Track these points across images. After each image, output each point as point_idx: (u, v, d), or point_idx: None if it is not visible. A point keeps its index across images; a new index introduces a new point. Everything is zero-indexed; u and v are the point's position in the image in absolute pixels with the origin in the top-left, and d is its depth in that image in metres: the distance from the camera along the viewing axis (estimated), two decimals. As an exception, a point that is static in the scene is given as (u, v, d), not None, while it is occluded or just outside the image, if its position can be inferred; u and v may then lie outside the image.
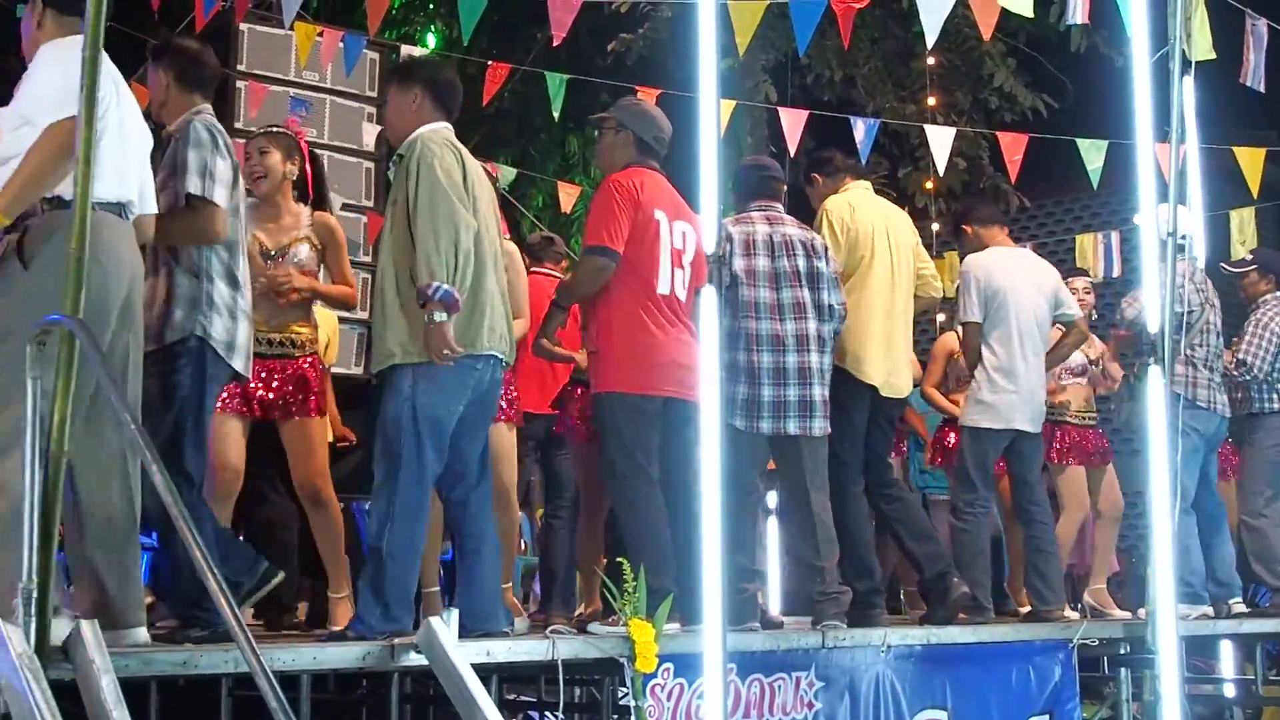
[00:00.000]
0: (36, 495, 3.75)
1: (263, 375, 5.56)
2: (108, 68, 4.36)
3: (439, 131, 5.12)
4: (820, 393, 6.02)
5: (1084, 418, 7.90)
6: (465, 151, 5.15)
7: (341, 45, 8.44)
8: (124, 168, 4.41)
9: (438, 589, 6.03)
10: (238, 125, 8.07)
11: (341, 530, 5.76)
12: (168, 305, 4.78)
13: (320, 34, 8.51)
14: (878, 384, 6.43)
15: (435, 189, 4.91)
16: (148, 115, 4.81)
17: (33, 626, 3.68)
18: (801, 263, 6.08)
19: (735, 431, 5.78)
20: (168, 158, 4.86)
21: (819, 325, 6.05)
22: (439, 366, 4.86)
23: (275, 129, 5.97)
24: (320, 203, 5.95)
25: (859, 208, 6.60)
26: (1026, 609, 7.26)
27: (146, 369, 4.58)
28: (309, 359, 5.72)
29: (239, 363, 4.88)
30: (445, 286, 4.81)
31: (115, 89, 4.42)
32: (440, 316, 4.81)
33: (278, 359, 5.65)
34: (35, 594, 3.70)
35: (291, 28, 8.17)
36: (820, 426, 6.02)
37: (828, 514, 6.02)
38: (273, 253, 5.67)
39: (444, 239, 4.85)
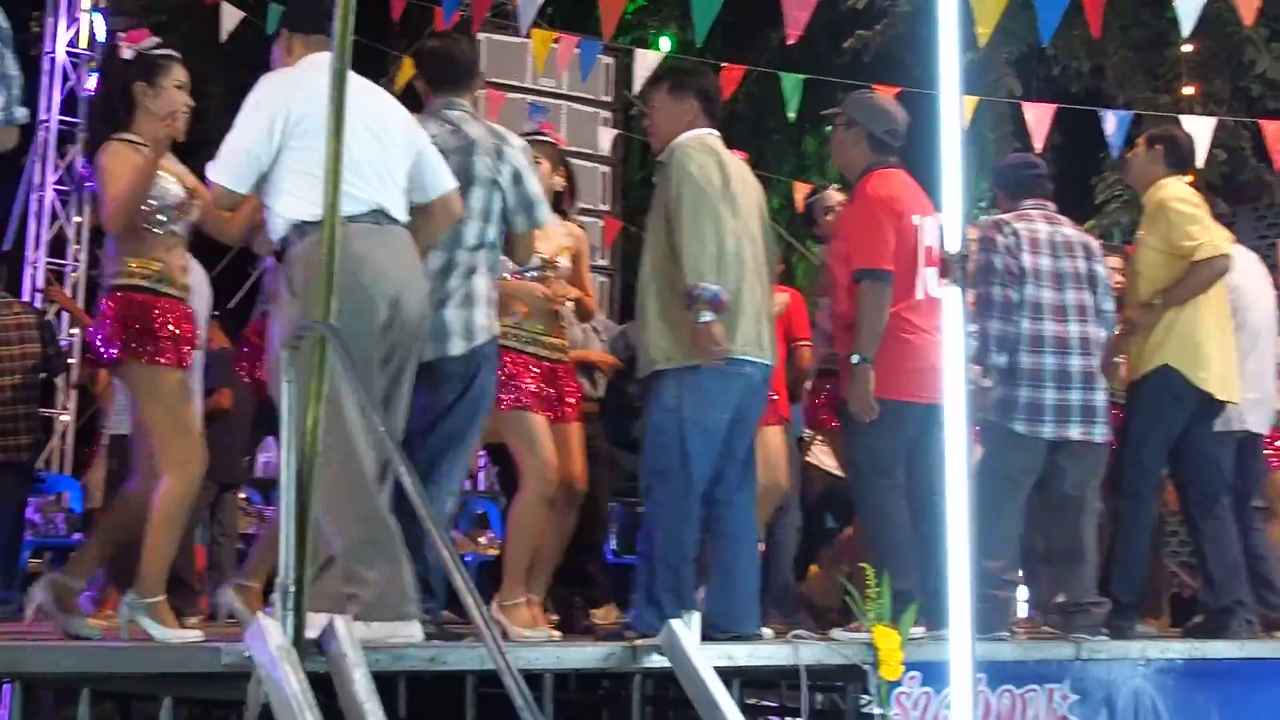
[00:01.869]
0: (292, 495, 3.85)
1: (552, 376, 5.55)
2: (350, 77, 4.46)
3: (701, 137, 5.14)
4: (1102, 398, 5.84)
5: None
6: (728, 156, 5.16)
7: (577, 51, 8.53)
8: (380, 175, 4.48)
9: None
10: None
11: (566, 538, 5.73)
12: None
13: (556, 40, 8.61)
14: (1213, 390, 6.11)
15: (697, 193, 4.93)
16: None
17: (290, 621, 3.77)
18: (1081, 265, 5.90)
19: (1013, 436, 5.67)
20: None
21: (1096, 330, 5.88)
22: (704, 373, 4.90)
23: (542, 138, 5.96)
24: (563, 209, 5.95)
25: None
26: None
27: None
28: (567, 366, 5.71)
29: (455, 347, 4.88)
30: (711, 287, 4.84)
31: (365, 99, 4.50)
32: (707, 316, 4.85)
33: (555, 362, 5.58)
34: (293, 590, 3.80)
35: (528, 35, 8.29)
36: (1102, 432, 5.84)
37: (1092, 524, 5.84)
38: (543, 262, 5.60)
39: (708, 241, 4.87)
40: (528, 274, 5.48)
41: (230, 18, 8.61)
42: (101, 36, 11.58)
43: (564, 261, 5.66)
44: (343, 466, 4.16)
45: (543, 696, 4.77)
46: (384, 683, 3.87)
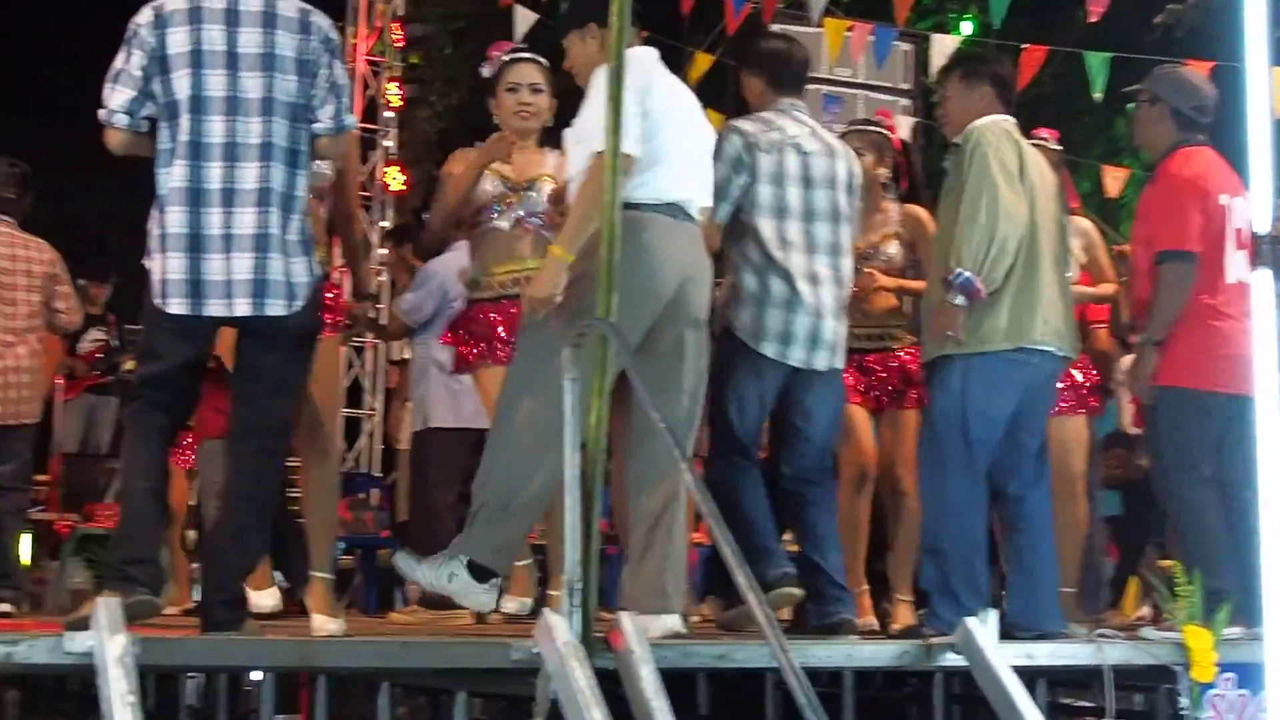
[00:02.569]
0: (576, 491, 3.88)
1: (865, 367, 5.62)
2: (658, 71, 4.51)
3: (999, 123, 5.02)
4: None
5: None
6: (1025, 144, 5.05)
7: (871, 39, 8.41)
8: (679, 169, 4.49)
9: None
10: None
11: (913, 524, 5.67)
12: (725, 295, 4.96)
13: (850, 29, 8.51)
14: None
15: (984, 178, 4.83)
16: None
17: (577, 617, 3.81)
18: None
19: None
20: None
21: None
22: (990, 360, 4.81)
23: (869, 126, 5.96)
24: (914, 194, 5.91)
25: None
26: None
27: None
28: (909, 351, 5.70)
29: (770, 349, 4.89)
30: (967, 274, 4.74)
31: (668, 93, 4.54)
32: (958, 301, 4.77)
33: (877, 353, 5.67)
34: (579, 586, 3.84)
35: (820, 25, 8.21)
36: None
37: None
38: (863, 253, 5.62)
39: (980, 228, 4.77)
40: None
41: (523, 20, 8.79)
42: (400, 45, 11.95)
43: (892, 248, 5.74)
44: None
45: (842, 693, 4.76)
46: (677, 679, 3.88)
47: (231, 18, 3.95)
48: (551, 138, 5.14)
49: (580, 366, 3.95)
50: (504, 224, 5.09)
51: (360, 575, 8.21)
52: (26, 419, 5.95)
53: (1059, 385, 5.38)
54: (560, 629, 3.73)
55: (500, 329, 5.02)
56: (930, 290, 5.06)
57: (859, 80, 8.93)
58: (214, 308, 3.92)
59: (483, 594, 4.28)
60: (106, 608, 3.40)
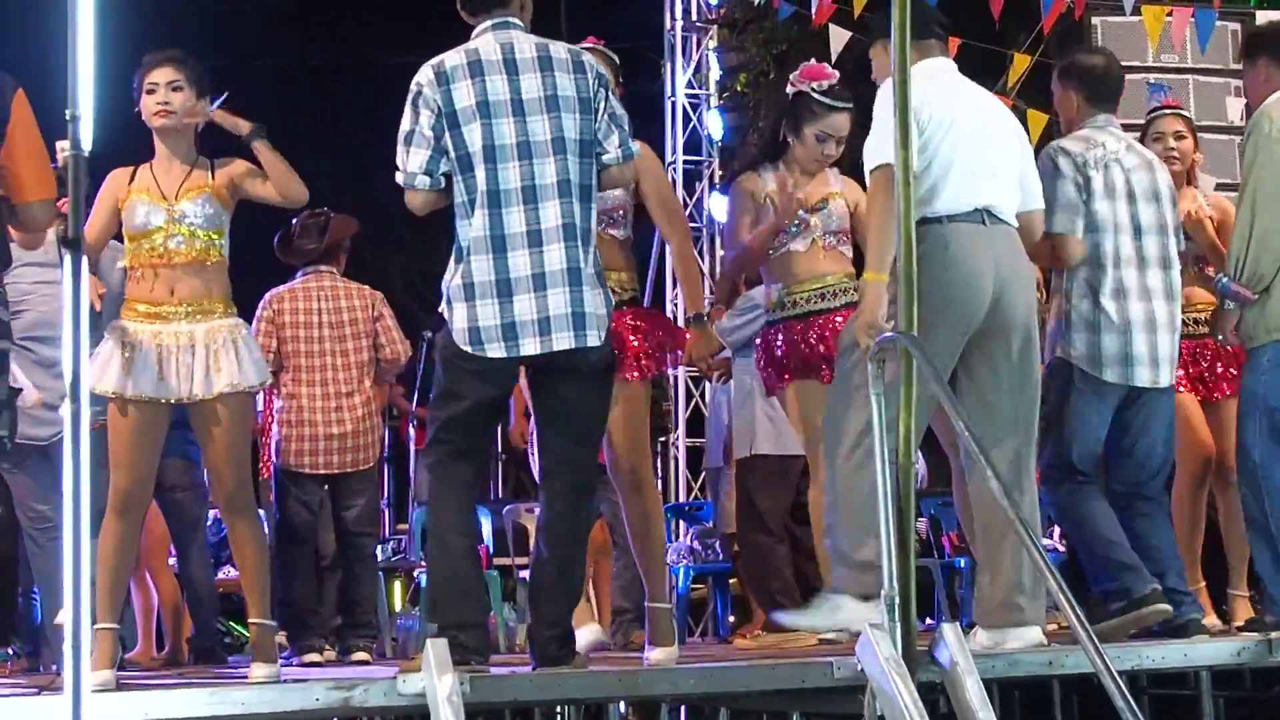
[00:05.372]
0: (890, 505, 3.89)
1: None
2: (942, 80, 4.51)
3: None
4: None
5: None
6: None
7: (1192, 21, 8.09)
8: (978, 174, 4.47)
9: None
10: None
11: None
12: (1055, 322, 4.93)
13: (1169, 14, 8.20)
14: None
15: (1250, 169, 4.74)
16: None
17: (898, 632, 3.81)
18: None
19: None
20: None
21: None
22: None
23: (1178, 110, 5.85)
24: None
25: None
26: None
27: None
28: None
29: (1111, 374, 4.82)
30: (1223, 279, 4.79)
31: (948, 102, 4.53)
32: (1228, 306, 4.85)
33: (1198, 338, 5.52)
34: (898, 600, 3.84)
35: (1138, 12, 7.96)
36: None
37: None
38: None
39: (1241, 226, 4.74)
40: None
41: (838, 39, 8.80)
42: (716, 76, 12.06)
43: None
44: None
45: (1200, 694, 4.69)
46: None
47: (510, 67, 4.09)
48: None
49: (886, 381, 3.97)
50: (800, 246, 5.12)
51: (713, 602, 8.32)
52: (363, 465, 6.21)
53: None
54: (882, 644, 3.74)
55: (811, 344, 5.01)
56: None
57: (1187, 65, 8.56)
58: (528, 346, 4.03)
59: (872, 611, 4.21)
60: (435, 648, 3.57)
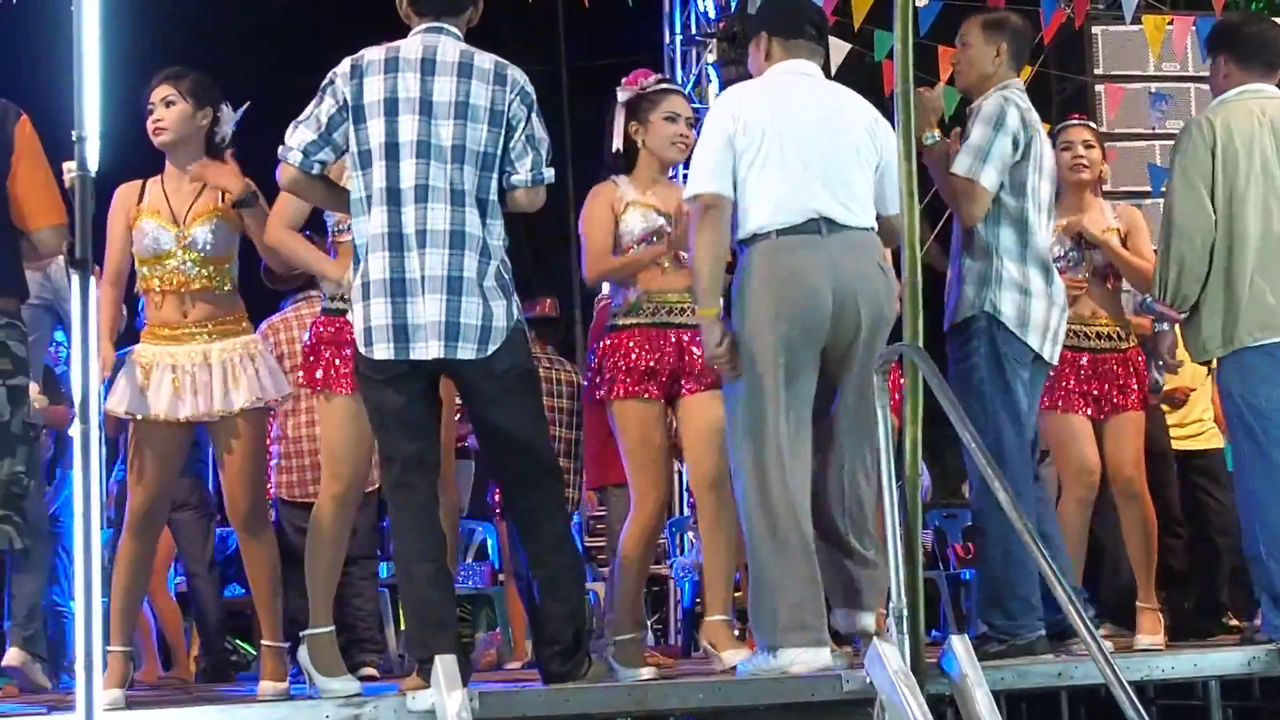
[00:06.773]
0: (898, 517, 3.89)
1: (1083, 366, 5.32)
2: (790, 83, 4.41)
3: (1228, 101, 4.84)
4: None
5: None
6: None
7: (1193, 29, 8.11)
8: (811, 182, 4.29)
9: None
10: (1102, 130, 7.97)
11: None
12: (960, 285, 4.75)
13: (1170, 23, 8.22)
14: None
15: (1170, 185, 4.79)
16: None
17: (906, 645, 3.80)
18: None
19: None
20: None
21: None
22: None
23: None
24: None
25: None
26: None
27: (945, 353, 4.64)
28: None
29: (1034, 339, 4.69)
30: (1148, 301, 4.90)
31: (792, 105, 4.40)
32: (1162, 326, 4.95)
33: (1100, 353, 5.35)
34: (905, 613, 3.84)
35: (1138, 21, 7.99)
36: None
37: None
38: None
39: (1161, 246, 4.79)
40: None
41: (837, 51, 8.81)
42: (715, 90, 12.09)
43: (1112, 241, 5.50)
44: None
45: (1209, 704, 4.77)
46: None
47: (427, 66, 4.04)
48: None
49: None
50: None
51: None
52: (367, 486, 6.16)
53: None
54: (891, 657, 3.74)
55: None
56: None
57: (1188, 73, 8.59)
58: (419, 350, 3.94)
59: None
60: (443, 664, 3.57)
